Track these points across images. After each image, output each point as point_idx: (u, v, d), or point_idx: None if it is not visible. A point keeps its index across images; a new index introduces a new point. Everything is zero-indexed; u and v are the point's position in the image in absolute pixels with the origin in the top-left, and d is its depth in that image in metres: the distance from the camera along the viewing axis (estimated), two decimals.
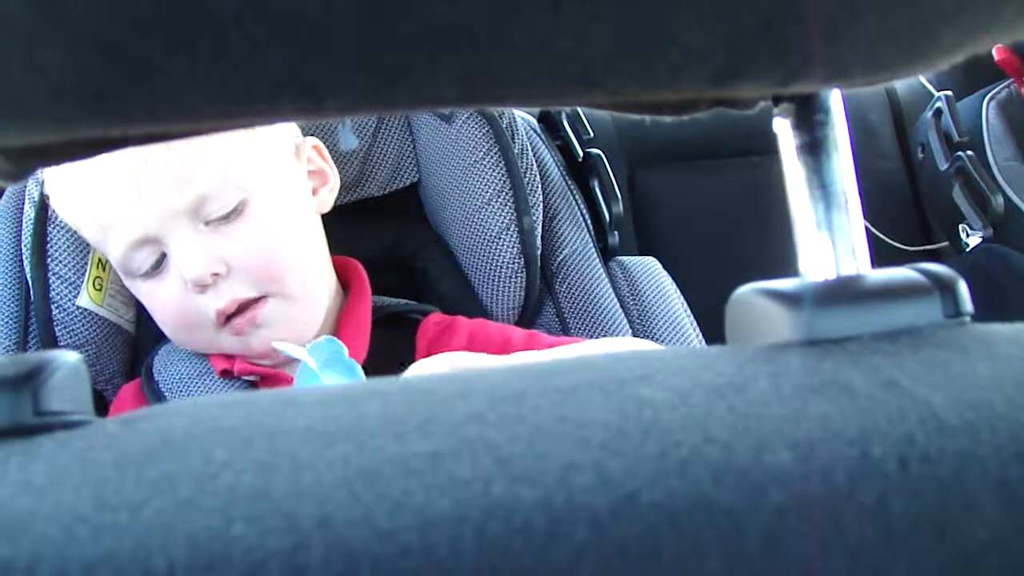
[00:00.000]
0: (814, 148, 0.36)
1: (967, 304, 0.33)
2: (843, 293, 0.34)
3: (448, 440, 0.26)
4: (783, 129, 0.37)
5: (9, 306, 0.96)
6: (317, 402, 0.29)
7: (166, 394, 0.90)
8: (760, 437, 0.26)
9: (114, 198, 0.81)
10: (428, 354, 0.80)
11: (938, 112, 1.77)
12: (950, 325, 0.32)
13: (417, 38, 0.24)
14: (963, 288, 0.33)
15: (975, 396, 0.28)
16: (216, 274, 0.81)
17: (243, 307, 0.83)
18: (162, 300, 0.85)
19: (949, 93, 1.77)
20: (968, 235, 1.72)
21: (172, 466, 0.25)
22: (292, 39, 0.23)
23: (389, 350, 0.87)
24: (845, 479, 0.25)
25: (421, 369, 0.70)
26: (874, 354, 0.30)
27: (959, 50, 0.28)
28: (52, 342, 0.93)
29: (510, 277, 1.00)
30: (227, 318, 0.83)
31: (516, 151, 1.01)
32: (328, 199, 0.92)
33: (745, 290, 0.34)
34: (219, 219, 0.82)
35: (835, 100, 0.36)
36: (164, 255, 0.83)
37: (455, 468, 0.25)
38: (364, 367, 0.81)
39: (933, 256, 1.84)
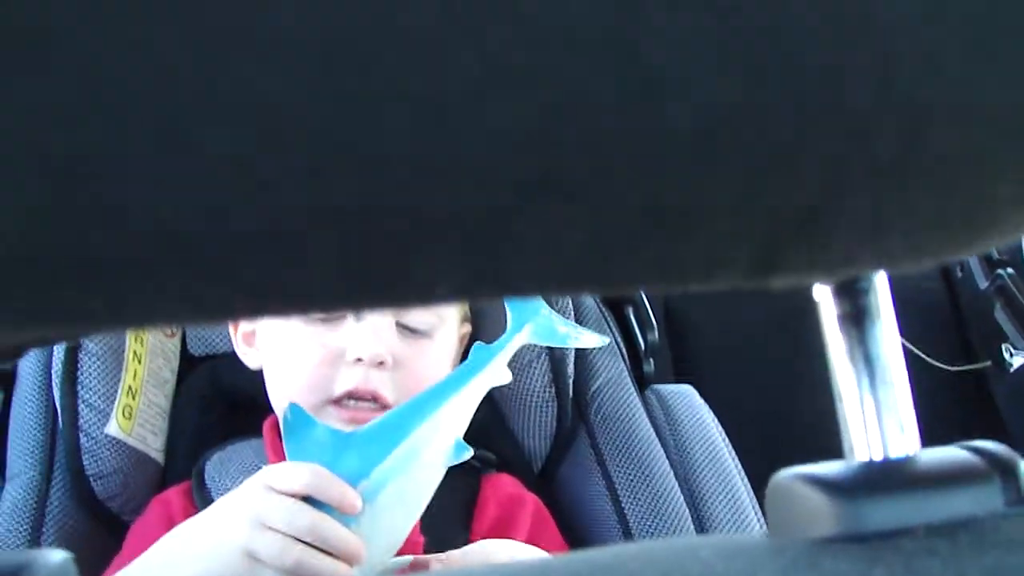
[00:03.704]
0: (857, 317, 0.34)
1: None
2: (892, 478, 0.31)
3: None
4: (824, 297, 0.35)
5: (36, 434, 0.95)
6: None
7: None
8: None
9: None
10: (494, 517, 0.87)
11: None
12: (1012, 515, 0.30)
13: (410, 236, 0.22)
14: None
15: None
16: (382, 363, 0.83)
17: (369, 398, 0.84)
18: (310, 343, 0.85)
19: None
20: (1012, 355, 1.68)
21: None
22: (266, 250, 0.21)
23: (449, 488, 0.85)
24: None
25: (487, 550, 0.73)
26: (932, 558, 0.28)
27: (1014, 236, 0.27)
28: (79, 470, 0.92)
29: (541, 406, 0.98)
30: (349, 399, 0.83)
31: None
32: None
33: (785, 475, 0.32)
34: (409, 328, 0.86)
35: None
36: (341, 317, 0.85)
37: None
38: None
39: (976, 376, 1.80)
